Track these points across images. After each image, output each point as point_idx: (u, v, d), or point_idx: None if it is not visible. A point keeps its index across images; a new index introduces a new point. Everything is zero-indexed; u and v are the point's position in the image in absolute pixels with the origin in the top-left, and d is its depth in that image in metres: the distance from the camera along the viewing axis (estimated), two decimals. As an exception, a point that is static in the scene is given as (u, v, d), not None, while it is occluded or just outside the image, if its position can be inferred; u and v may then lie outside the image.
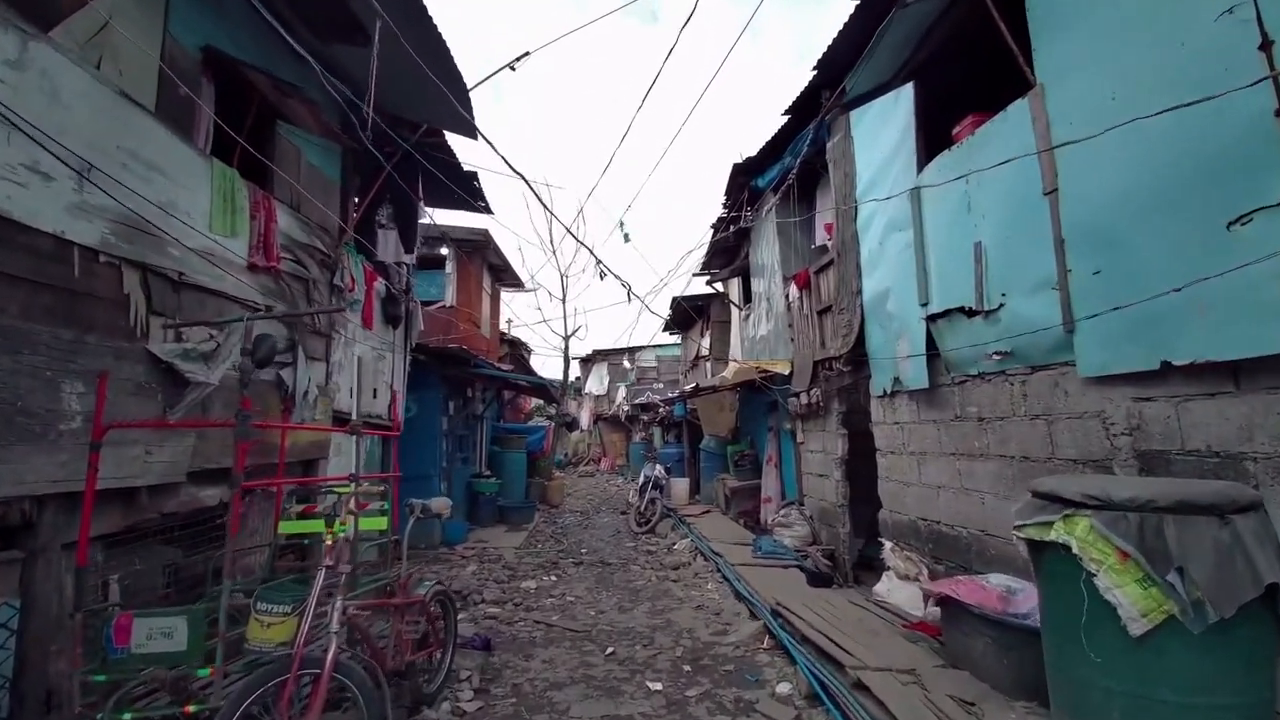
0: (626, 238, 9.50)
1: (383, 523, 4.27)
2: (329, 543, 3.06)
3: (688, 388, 12.14)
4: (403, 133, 5.94)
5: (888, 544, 5.11)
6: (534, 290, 10.92)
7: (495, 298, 14.03)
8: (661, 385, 23.60)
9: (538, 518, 11.60)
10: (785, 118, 7.02)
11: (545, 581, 7.17)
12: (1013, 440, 4.05)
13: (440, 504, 4.10)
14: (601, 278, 6.95)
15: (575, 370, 31.02)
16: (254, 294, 4.50)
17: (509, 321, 23.85)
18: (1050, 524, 2.51)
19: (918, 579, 4.88)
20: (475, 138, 6.02)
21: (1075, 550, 2.38)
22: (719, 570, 7.15)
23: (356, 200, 6.25)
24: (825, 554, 7.12)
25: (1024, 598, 3.31)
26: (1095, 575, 2.32)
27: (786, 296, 8.48)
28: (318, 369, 5.45)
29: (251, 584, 3.41)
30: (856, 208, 5.97)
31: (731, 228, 8.88)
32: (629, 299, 7.04)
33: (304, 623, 2.74)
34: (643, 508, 10.73)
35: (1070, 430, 3.59)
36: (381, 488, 4.51)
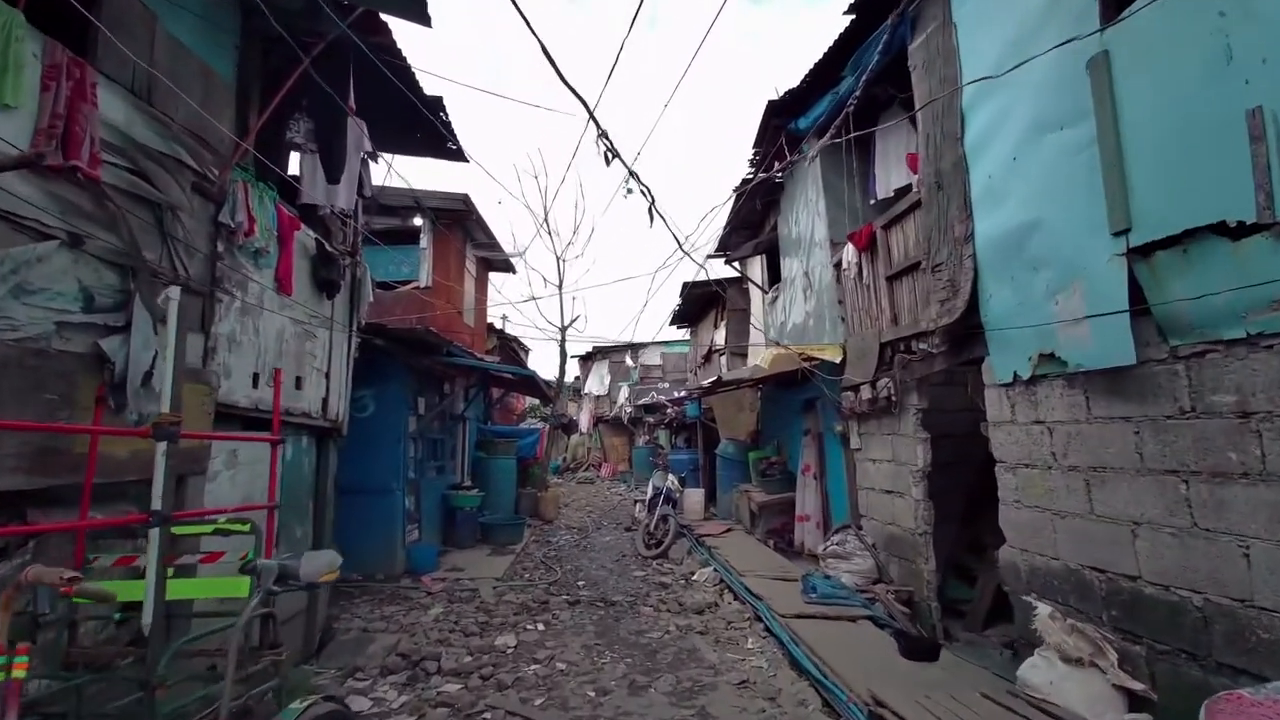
0: (630, 192, 7.78)
1: (235, 587, 2.54)
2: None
3: (706, 382, 10.36)
4: (325, 25, 4.22)
5: (1042, 608, 3.37)
6: (519, 255, 9.20)
7: (482, 282, 12.31)
8: (667, 385, 21.87)
9: (528, 536, 9.85)
10: (848, 17, 5.29)
11: (529, 634, 5.42)
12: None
13: (320, 563, 2.35)
14: (650, 220, 5.23)
15: (574, 370, 29.26)
16: (44, 211, 2.77)
17: (504, 319, 22.17)
18: None
19: (1091, 663, 3.13)
20: (428, 23, 4.29)
21: None
22: (758, 617, 5.41)
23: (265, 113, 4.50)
24: (900, 597, 5.38)
25: None
26: None
27: (837, 265, 6.75)
28: (194, 343, 3.72)
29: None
30: (962, 123, 4.24)
31: (770, 172, 7.12)
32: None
33: None
34: (652, 526, 8.98)
35: None
36: (247, 525, 2.78)
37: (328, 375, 5.46)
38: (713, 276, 13.32)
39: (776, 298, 9.84)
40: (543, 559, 8.50)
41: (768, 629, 5.10)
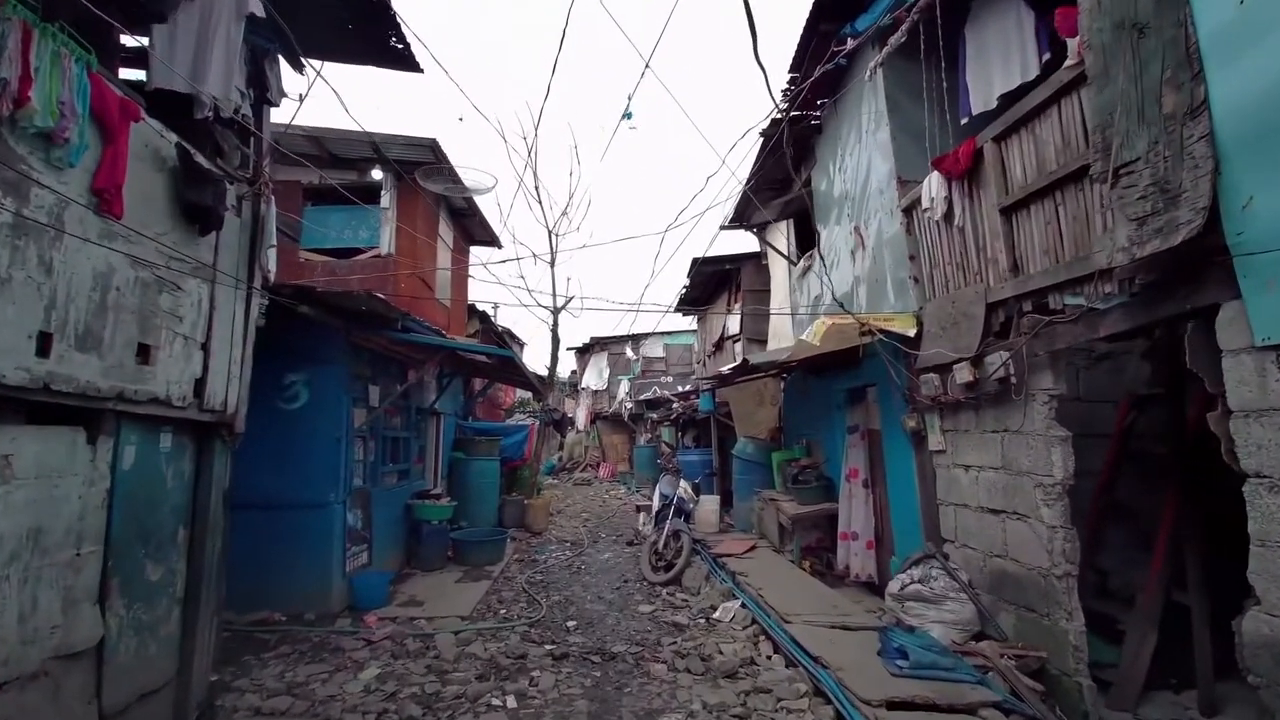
0: (629, 116, 6.25)
1: None
2: None
3: (726, 369, 8.69)
4: None
5: None
6: (488, 189, 7.46)
7: (461, 257, 10.66)
8: (671, 379, 20.24)
9: (510, 553, 8.22)
10: None
11: (492, 713, 3.80)
12: None
13: None
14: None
15: (571, 364, 27.61)
16: None
17: (496, 306, 20.52)
18: None
19: None
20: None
21: None
22: (819, 690, 3.78)
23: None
24: (1024, 665, 3.76)
25: None
26: None
27: (909, 211, 5.13)
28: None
29: None
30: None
31: (810, 106, 5.53)
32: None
33: None
34: (661, 544, 7.35)
35: None
36: None
37: (206, 347, 3.82)
38: (720, 259, 11.72)
39: (808, 269, 8.22)
40: (525, 585, 6.87)
41: (841, 717, 3.48)
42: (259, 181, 4.30)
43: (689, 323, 21.05)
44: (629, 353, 20.53)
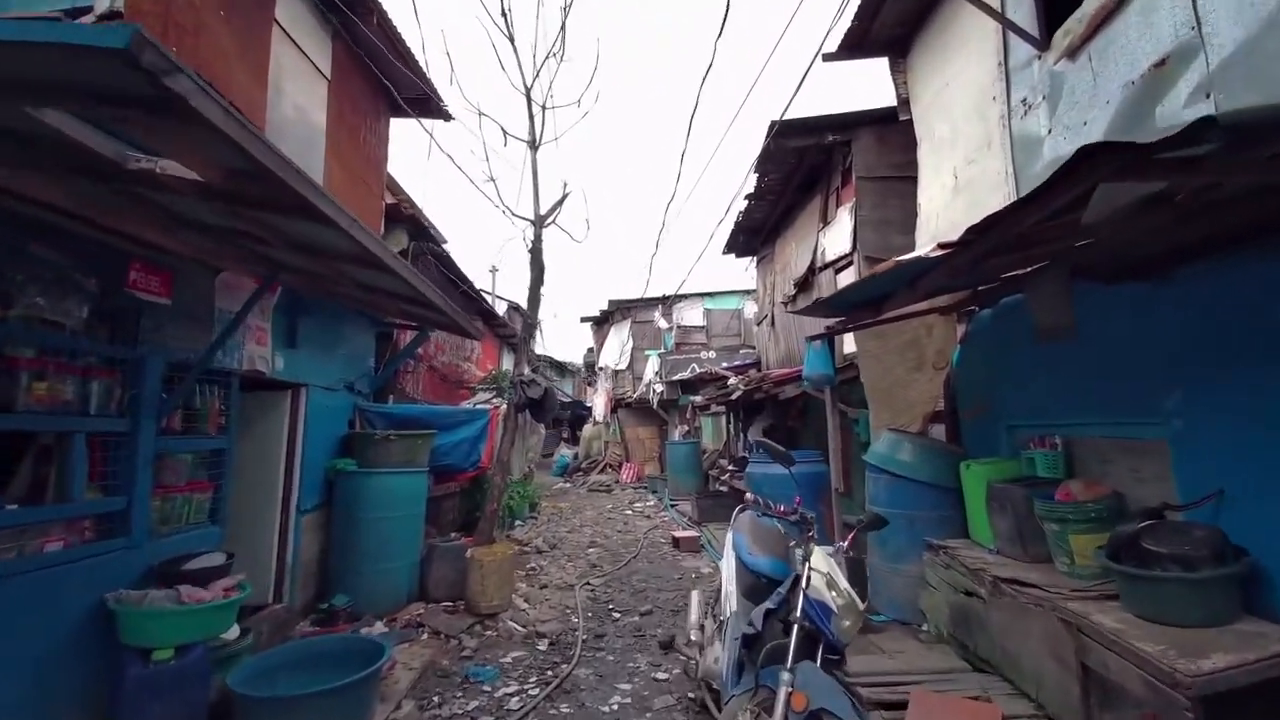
0: None
1: None
2: None
3: (879, 267, 3.65)
4: None
5: None
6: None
7: (366, 115, 6.09)
8: (713, 354, 15.54)
9: (399, 695, 3.65)
10: None
11: None
12: None
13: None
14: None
15: (586, 341, 22.98)
16: None
17: (493, 270, 15.96)
18: None
19: None
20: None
21: None
22: None
23: None
24: None
25: None
26: None
27: None
28: None
29: None
30: None
31: None
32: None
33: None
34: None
35: None
36: None
37: None
38: (817, 124, 6.94)
39: (1078, 50, 3.45)
40: None
41: None
42: None
43: (736, 280, 16.28)
44: (659, 320, 15.84)
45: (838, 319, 4.92)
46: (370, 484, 5.16)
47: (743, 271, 13.47)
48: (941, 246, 2.60)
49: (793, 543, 3.07)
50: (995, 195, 4.42)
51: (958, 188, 5.01)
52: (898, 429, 5.11)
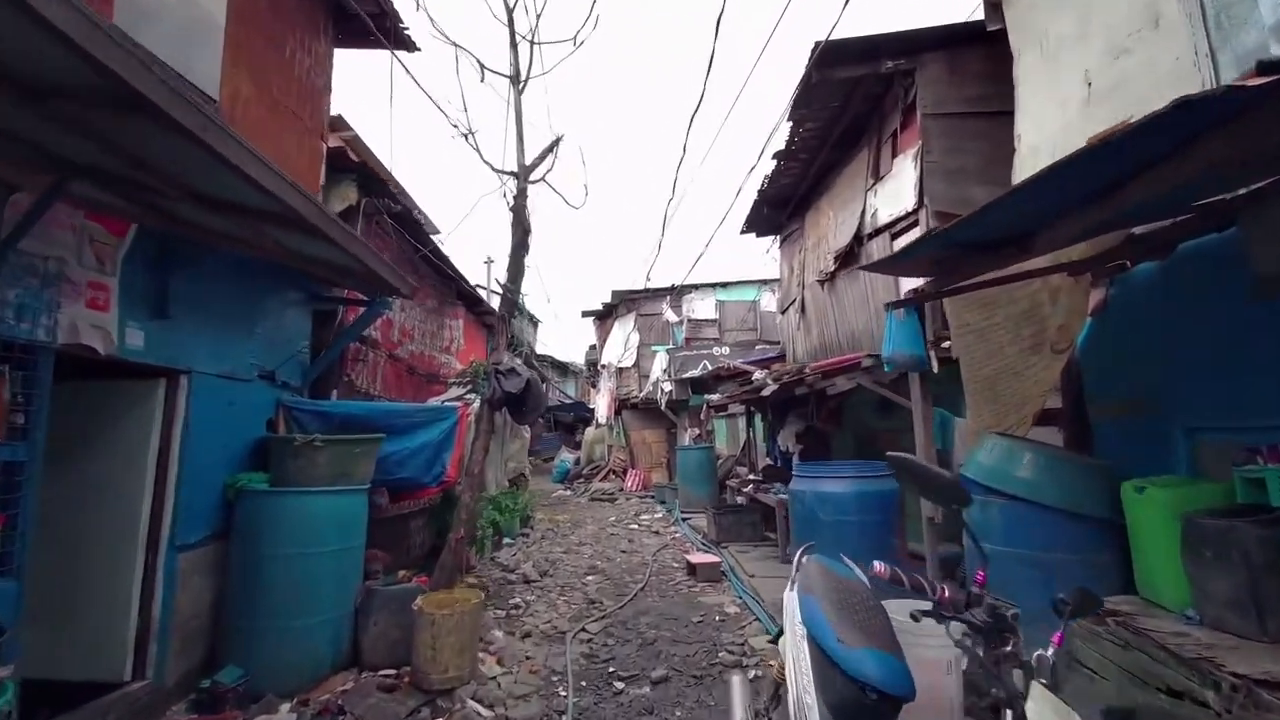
0: None
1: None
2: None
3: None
4: None
5: None
6: None
7: (296, 28, 4.77)
8: (726, 350, 14.15)
9: None
10: None
11: None
12: None
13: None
14: None
15: (589, 336, 21.61)
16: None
17: (495, 282, 14.51)
18: None
19: None
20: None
21: None
22: None
23: None
24: None
25: None
26: None
27: None
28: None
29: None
30: None
31: None
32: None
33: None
34: None
35: None
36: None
37: None
38: (873, 46, 5.56)
39: None
40: None
41: None
42: None
43: (751, 270, 14.88)
44: (667, 313, 14.46)
45: (927, 279, 3.53)
46: (284, 507, 3.79)
47: (763, 254, 12.08)
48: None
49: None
50: (1172, 91, 3.03)
51: (1091, 97, 3.61)
52: (1004, 433, 3.72)
